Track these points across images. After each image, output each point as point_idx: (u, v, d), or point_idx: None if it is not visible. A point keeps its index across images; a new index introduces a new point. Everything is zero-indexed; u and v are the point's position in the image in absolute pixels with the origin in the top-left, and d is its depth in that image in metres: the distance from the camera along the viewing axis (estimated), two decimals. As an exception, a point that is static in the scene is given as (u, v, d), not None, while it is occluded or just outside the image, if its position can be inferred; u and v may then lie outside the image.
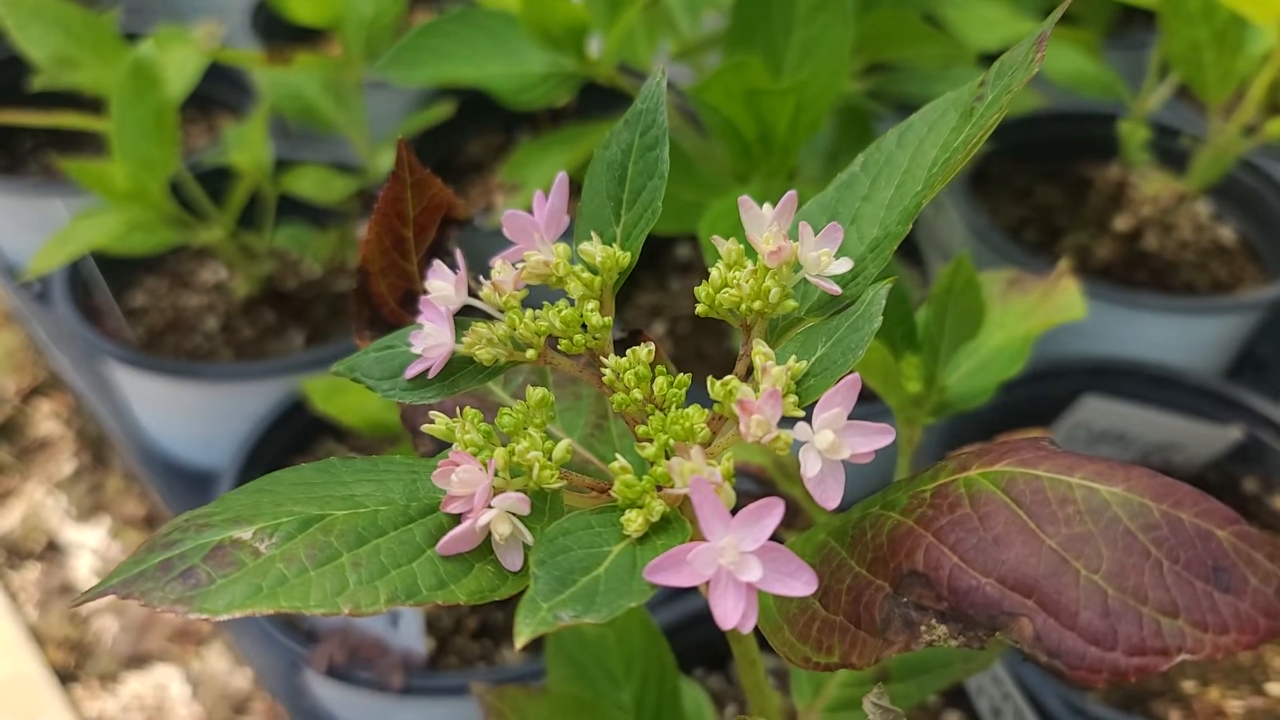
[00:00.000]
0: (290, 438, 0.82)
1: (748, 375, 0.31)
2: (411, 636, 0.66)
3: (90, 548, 1.00)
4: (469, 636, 0.70)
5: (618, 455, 0.29)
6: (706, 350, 0.86)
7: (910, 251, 0.96)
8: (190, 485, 0.92)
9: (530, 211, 0.34)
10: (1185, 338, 0.85)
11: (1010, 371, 0.50)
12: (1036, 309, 0.54)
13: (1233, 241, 0.92)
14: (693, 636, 0.65)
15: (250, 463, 0.78)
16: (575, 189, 0.35)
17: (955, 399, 0.50)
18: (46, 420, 1.11)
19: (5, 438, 1.09)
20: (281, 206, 0.91)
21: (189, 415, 0.90)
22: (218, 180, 0.91)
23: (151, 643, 0.92)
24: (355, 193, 0.91)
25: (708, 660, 0.65)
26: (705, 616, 0.32)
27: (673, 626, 0.62)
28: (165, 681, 0.90)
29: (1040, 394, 0.76)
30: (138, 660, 0.91)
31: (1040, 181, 0.98)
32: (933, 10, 0.86)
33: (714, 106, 0.59)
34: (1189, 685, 0.63)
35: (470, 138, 1.09)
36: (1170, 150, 0.94)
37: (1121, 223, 0.90)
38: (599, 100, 0.89)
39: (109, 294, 0.91)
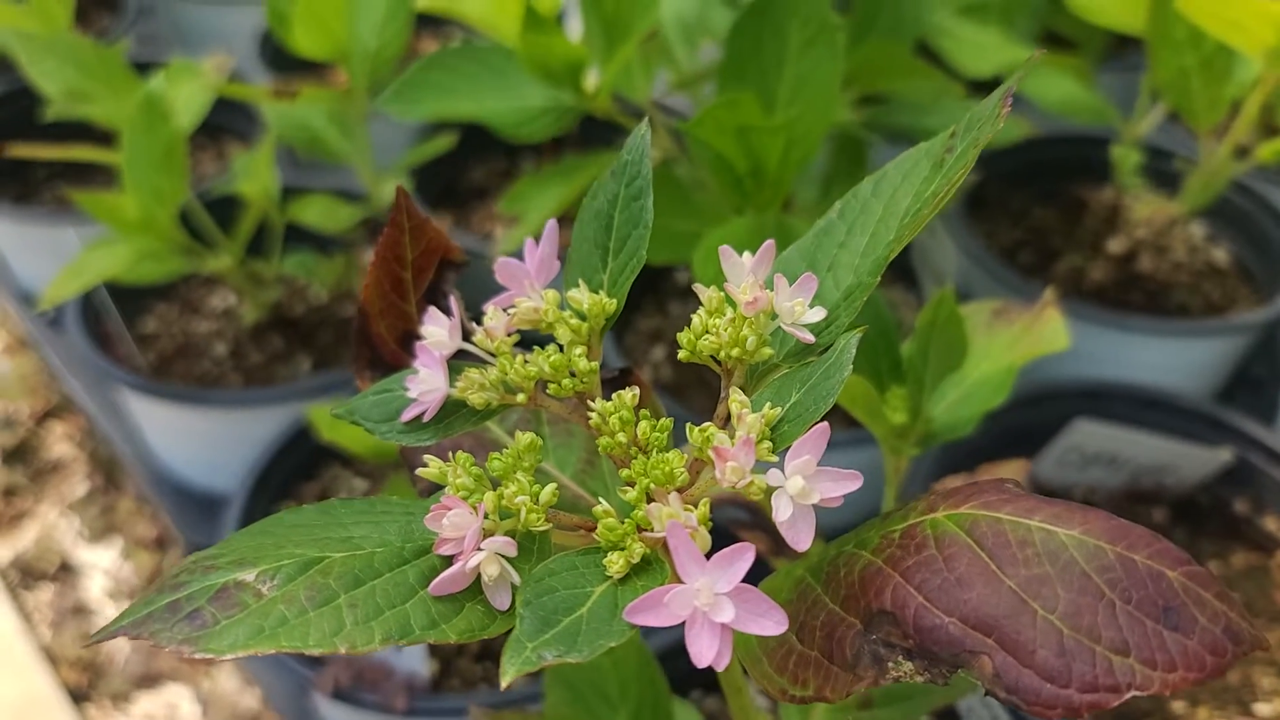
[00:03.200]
0: (297, 463, 0.83)
1: (727, 420, 0.32)
2: (415, 659, 0.67)
3: (102, 569, 1.02)
4: (471, 659, 0.71)
5: (601, 499, 0.30)
6: (707, 375, 0.88)
7: (905, 275, 0.98)
8: (200, 508, 0.94)
9: (523, 254, 0.36)
10: (1179, 360, 0.86)
11: (994, 402, 0.52)
12: (1021, 339, 0.55)
13: (1226, 263, 0.93)
14: (689, 660, 0.66)
15: (258, 487, 0.80)
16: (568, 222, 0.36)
17: (940, 430, 0.51)
18: (60, 443, 1.13)
19: (19, 460, 1.11)
20: (288, 233, 0.93)
21: (198, 440, 0.91)
22: (226, 208, 0.93)
23: (163, 663, 0.94)
24: (361, 221, 0.93)
25: (704, 683, 0.66)
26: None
27: (669, 651, 0.63)
28: (176, 701, 0.91)
29: (1033, 418, 0.78)
30: (149, 680, 0.93)
31: (1035, 205, 1.00)
32: (927, 39, 0.87)
33: (706, 142, 0.60)
34: (1179, 706, 0.64)
35: (474, 164, 1.11)
36: (1163, 173, 0.95)
37: (1115, 245, 0.91)
38: (601, 129, 0.90)
39: (120, 321, 0.93)
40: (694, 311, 0.34)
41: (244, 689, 0.91)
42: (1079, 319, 0.81)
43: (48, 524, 1.05)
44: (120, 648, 0.95)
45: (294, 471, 0.83)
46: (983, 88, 0.80)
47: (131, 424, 0.98)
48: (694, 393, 0.87)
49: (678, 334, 0.33)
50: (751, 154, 0.60)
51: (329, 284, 0.96)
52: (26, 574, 1.01)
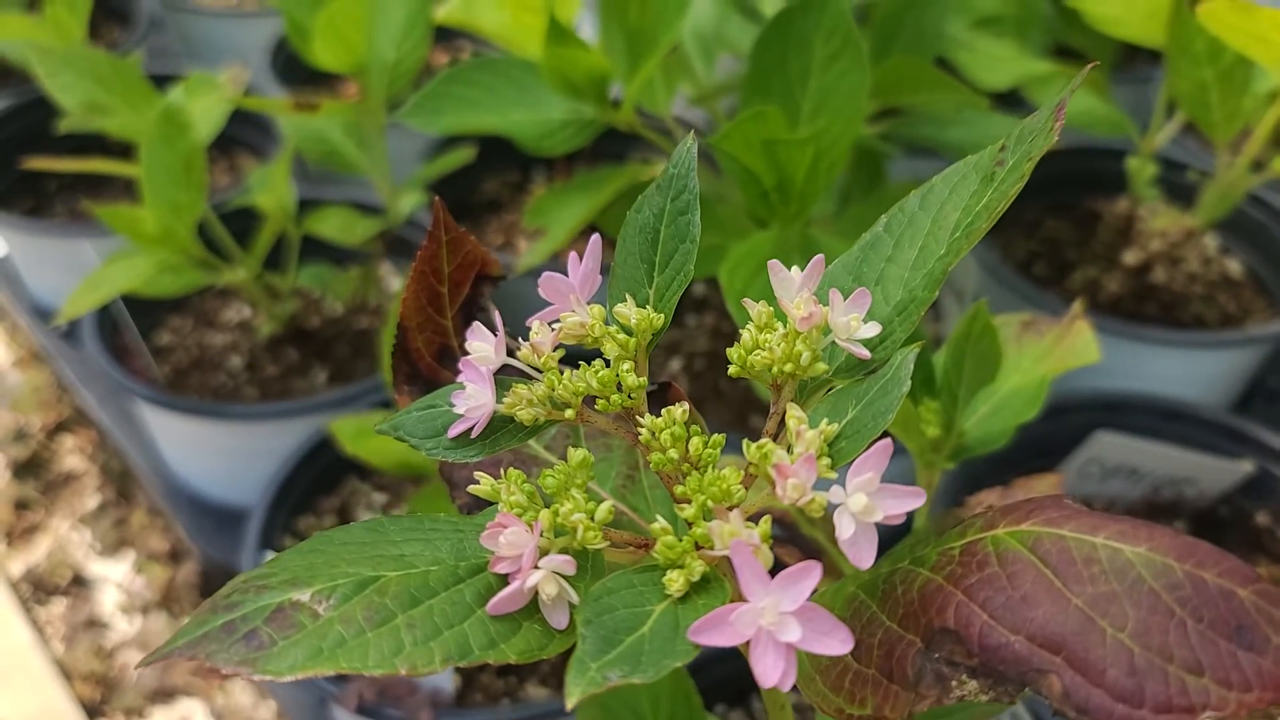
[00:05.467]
0: (316, 476, 0.83)
1: (778, 433, 0.32)
2: (440, 675, 0.67)
3: (115, 582, 1.01)
4: (494, 674, 0.71)
5: (658, 516, 0.30)
6: (723, 387, 0.87)
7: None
8: (214, 520, 0.93)
9: (555, 263, 0.36)
10: (1195, 371, 0.86)
11: (1027, 415, 0.51)
12: (1051, 352, 0.55)
13: (1241, 275, 0.93)
14: (714, 673, 0.66)
15: (278, 500, 0.79)
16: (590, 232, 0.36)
17: (973, 443, 0.51)
18: (71, 456, 1.12)
19: (31, 473, 1.10)
20: (304, 246, 0.93)
21: (214, 453, 0.91)
22: (242, 220, 0.92)
23: (177, 677, 0.93)
24: (377, 234, 0.93)
25: (729, 696, 0.66)
26: (725, 653, 0.33)
27: (695, 663, 0.63)
28: (190, 715, 0.91)
29: (1053, 430, 0.77)
30: (163, 694, 0.92)
31: (1050, 216, 1.00)
32: (943, 52, 0.87)
33: (733, 155, 0.60)
34: None
35: (487, 177, 1.11)
36: (1178, 185, 0.95)
37: (1131, 257, 0.91)
38: (615, 143, 0.90)
39: (137, 334, 0.93)
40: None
41: (259, 703, 0.91)
42: (1095, 330, 0.80)
43: (60, 537, 1.05)
44: (134, 661, 0.94)
45: (313, 485, 0.83)
46: (997, 100, 0.80)
47: (146, 437, 0.98)
48: (710, 406, 0.87)
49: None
50: (778, 167, 0.60)
51: (345, 297, 0.96)
52: (39, 587, 1.01)
